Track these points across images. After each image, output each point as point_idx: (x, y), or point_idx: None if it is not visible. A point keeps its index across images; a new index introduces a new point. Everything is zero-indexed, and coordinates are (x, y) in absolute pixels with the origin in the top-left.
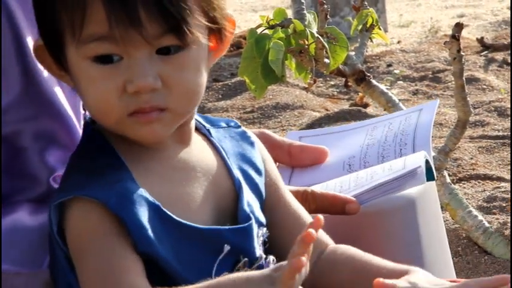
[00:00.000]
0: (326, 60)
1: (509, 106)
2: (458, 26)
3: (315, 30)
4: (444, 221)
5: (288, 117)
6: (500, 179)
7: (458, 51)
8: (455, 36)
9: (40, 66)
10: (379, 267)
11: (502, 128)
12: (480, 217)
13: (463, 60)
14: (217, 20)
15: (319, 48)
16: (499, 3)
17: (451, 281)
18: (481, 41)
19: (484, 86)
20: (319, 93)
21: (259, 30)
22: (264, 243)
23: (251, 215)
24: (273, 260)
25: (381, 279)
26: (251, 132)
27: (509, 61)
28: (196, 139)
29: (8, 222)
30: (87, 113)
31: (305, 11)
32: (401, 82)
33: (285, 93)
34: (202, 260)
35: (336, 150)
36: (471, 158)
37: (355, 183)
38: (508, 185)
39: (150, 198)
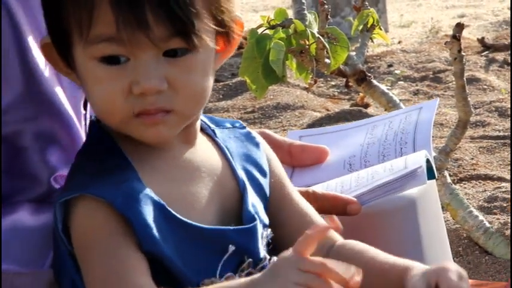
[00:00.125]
0: (327, 60)
1: (510, 106)
2: (459, 26)
3: (315, 30)
4: (445, 221)
5: (288, 118)
6: (501, 179)
7: (459, 51)
8: (456, 37)
9: (41, 66)
10: (381, 263)
11: (502, 128)
12: (481, 217)
13: (464, 60)
14: (225, 23)
15: (319, 48)
16: (500, 4)
17: None
18: (481, 41)
19: (485, 86)
20: (319, 93)
21: (260, 31)
22: (268, 244)
23: (256, 216)
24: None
25: None
26: (256, 132)
27: (510, 61)
28: (201, 139)
29: (8, 223)
30: (88, 113)
31: (306, 11)
32: (402, 82)
33: (285, 93)
34: (206, 260)
35: (336, 149)
36: (472, 158)
37: (356, 183)
38: (508, 185)
39: (156, 198)
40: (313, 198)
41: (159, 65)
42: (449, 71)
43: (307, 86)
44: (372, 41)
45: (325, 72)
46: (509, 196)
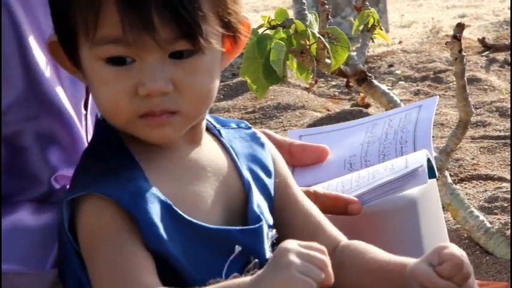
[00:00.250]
0: (327, 60)
1: (510, 106)
2: (460, 27)
3: (316, 30)
4: (446, 221)
5: (289, 118)
6: (501, 179)
7: (460, 51)
8: (456, 37)
9: (41, 66)
10: (384, 263)
11: (503, 128)
12: (481, 217)
13: (465, 60)
14: (232, 25)
15: (320, 48)
16: (501, 4)
17: None
18: (482, 41)
19: (486, 86)
20: (320, 93)
21: (260, 31)
22: (272, 244)
23: (261, 216)
24: None
25: None
26: (261, 133)
27: (510, 61)
28: (206, 139)
29: (8, 222)
30: (88, 113)
31: (306, 11)
32: (402, 82)
33: (286, 93)
34: (212, 260)
35: (336, 148)
36: (472, 158)
37: (357, 183)
38: (509, 185)
39: (162, 197)
40: (314, 198)
41: (164, 66)
42: (450, 71)
43: (307, 86)
44: (373, 41)
45: (326, 72)
46: (510, 196)
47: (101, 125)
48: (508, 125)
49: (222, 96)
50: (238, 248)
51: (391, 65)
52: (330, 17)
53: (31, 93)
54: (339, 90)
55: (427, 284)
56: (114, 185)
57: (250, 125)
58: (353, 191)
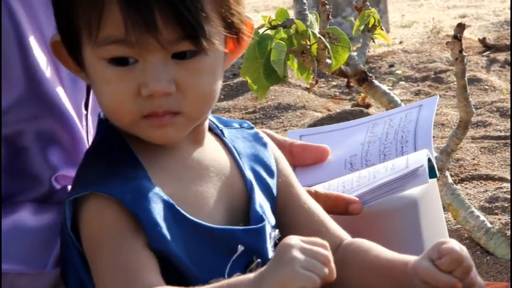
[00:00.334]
0: (328, 60)
1: (510, 106)
2: (460, 27)
3: (317, 30)
4: (446, 222)
5: (290, 118)
6: (502, 179)
7: (460, 51)
8: (457, 37)
9: (42, 67)
10: (387, 261)
11: (504, 128)
12: (482, 217)
13: (465, 60)
14: (235, 25)
15: (321, 48)
16: (501, 4)
17: None
18: (483, 41)
19: (486, 87)
20: (321, 93)
21: (261, 31)
22: (275, 245)
23: (264, 216)
24: None
25: None
26: (263, 133)
27: (510, 62)
28: (209, 139)
29: (9, 223)
30: (89, 113)
31: (307, 12)
32: (403, 82)
33: (287, 93)
34: (215, 259)
35: (337, 148)
36: (473, 159)
37: (358, 183)
38: (510, 185)
39: (165, 197)
40: (315, 198)
41: (167, 67)
42: (451, 71)
43: (308, 86)
44: (373, 41)
45: (327, 72)
46: (510, 196)
47: (104, 125)
48: (508, 125)
49: (222, 97)
50: (241, 248)
51: (391, 65)
52: (330, 17)
53: (32, 93)
54: (339, 91)
55: (428, 280)
56: (117, 185)
57: (252, 125)
58: (354, 191)
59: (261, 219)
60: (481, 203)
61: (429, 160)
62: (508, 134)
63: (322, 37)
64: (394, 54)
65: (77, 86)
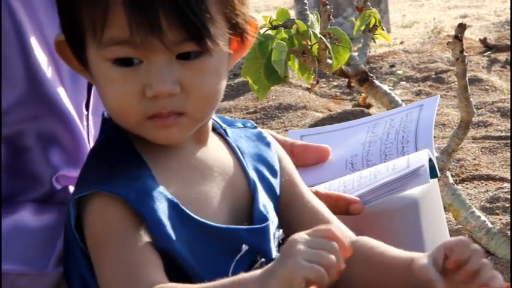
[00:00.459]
0: (329, 60)
1: (510, 107)
2: (461, 27)
3: (317, 30)
4: (447, 222)
5: (290, 118)
6: (503, 179)
7: (461, 51)
8: (458, 37)
9: (43, 67)
10: (392, 258)
11: (504, 128)
12: (483, 218)
13: (466, 60)
14: (239, 26)
15: (322, 48)
16: (502, 4)
17: None
18: (483, 41)
19: (487, 87)
20: (322, 93)
21: (262, 31)
22: (279, 244)
23: (267, 216)
24: None
25: None
26: (266, 132)
27: (510, 62)
28: (213, 139)
29: (10, 223)
30: (89, 113)
31: (308, 12)
32: (404, 83)
33: (287, 93)
34: (219, 259)
35: (338, 148)
36: (474, 159)
37: (359, 182)
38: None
39: (169, 196)
40: None
41: (171, 68)
42: (452, 72)
43: (309, 87)
44: (374, 42)
45: (327, 72)
46: (510, 196)
47: (108, 124)
48: (509, 125)
49: (223, 97)
50: (245, 248)
51: (392, 65)
52: (331, 17)
53: (33, 94)
54: (340, 91)
55: (422, 277)
56: (121, 184)
57: (256, 125)
58: (355, 191)
59: (264, 218)
60: (482, 203)
61: (430, 160)
62: (509, 134)
63: (323, 37)
64: (395, 54)
65: (78, 86)
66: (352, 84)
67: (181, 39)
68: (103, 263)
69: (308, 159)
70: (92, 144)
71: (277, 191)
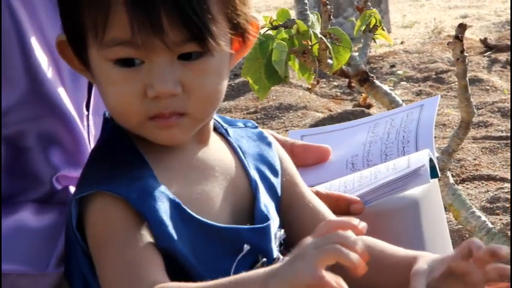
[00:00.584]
0: (329, 60)
1: (510, 107)
2: (462, 27)
3: (318, 30)
4: (447, 222)
5: (291, 118)
6: (503, 179)
7: (462, 52)
8: (458, 37)
9: (43, 67)
10: (392, 256)
11: (505, 128)
12: (483, 218)
13: (467, 61)
14: (241, 26)
15: (322, 48)
16: (503, 4)
17: None
18: (484, 41)
19: (488, 87)
20: (322, 93)
21: (262, 31)
22: (280, 245)
23: (269, 216)
24: None
25: None
26: (267, 132)
27: (510, 62)
28: (214, 139)
29: (11, 223)
30: (90, 113)
31: (308, 12)
32: (404, 83)
33: (288, 93)
34: (221, 258)
35: (338, 148)
36: (474, 159)
37: (359, 183)
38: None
39: (171, 196)
40: None
41: (173, 68)
42: (452, 72)
43: (309, 87)
44: (375, 42)
45: (328, 72)
46: (510, 196)
47: (109, 124)
48: (510, 126)
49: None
50: (247, 247)
51: (393, 66)
52: (331, 17)
53: (33, 94)
54: (340, 91)
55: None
56: (123, 184)
57: (257, 125)
58: (355, 191)
59: (265, 218)
60: (482, 204)
61: (431, 160)
62: (509, 134)
63: (323, 37)
64: (396, 54)
65: (78, 86)
66: (353, 84)
67: (182, 39)
68: (104, 263)
69: (308, 159)
70: (92, 145)
71: (279, 191)
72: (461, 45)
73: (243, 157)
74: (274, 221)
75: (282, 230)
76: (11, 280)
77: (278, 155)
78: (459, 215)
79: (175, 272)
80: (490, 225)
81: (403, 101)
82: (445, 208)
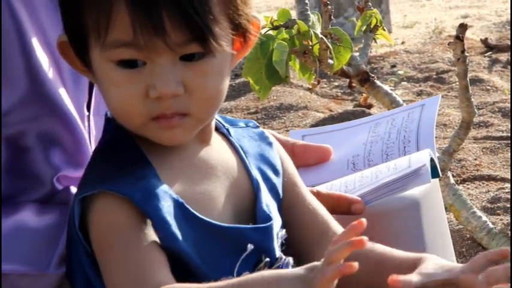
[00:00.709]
0: (330, 61)
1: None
2: (462, 27)
3: (319, 31)
4: (448, 222)
5: (291, 118)
6: (504, 179)
7: (463, 52)
8: (459, 37)
9: (44, 67)
10: (392, 258)
11: (506, 128)
12: (484, 218)
13: (467, 61)
14: (242, 26)
15: (323, 49)
16: (503, 4)
17: None
18: (485, 41)
19: (488, 87)
20: (323, 94)
21: (263, 31)
22: (282, 244)
23: (270, 215)
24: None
25: (395, 276)
26: (268, 132)
27: (510, 62)
28: (216, 138)
29: (11, 223)
30: (91, 114)
31: (309, 12)
32: (405, 83)
33: (288, 94)
34: (224, 258)
35: (339, 148)
36: (475, 159)
37: (360, 182)
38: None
39: (174, 196)
40: (318, 198)
41: (175, 68)
42: (453, 72)
43: (310, 87)
44: (375, 42)
45: (329, 72)
46: (510, 196)
47: (111, 124)
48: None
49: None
50: (250, 247)
51: (393, 66)
52: (332, 17)
53: (34, 94)
54: (341, 91)
55: None
56: (126, 183)
57: (258, 124)
58: (356, 190)
59: (268, 218)
60: (483, 204)
61: (432, 160)
62: (510, 134)
63: (324, 37)
64: (396, 54)
65: (79, 86)
66: (353, 84)
67: (184, 40)
68: (108, 263)
69: (309, 159)
70: (93, 145)
71: (280, 191)
72: (462, 45)
73: (244, 157)
74: (276, 221)
75: (284, 230)
76: (12, 280)
77: (279, 155)
78: (460, 215)
79: (179, 271)
80: (491, 226)
81: (403, 101)
82: (445, 208)
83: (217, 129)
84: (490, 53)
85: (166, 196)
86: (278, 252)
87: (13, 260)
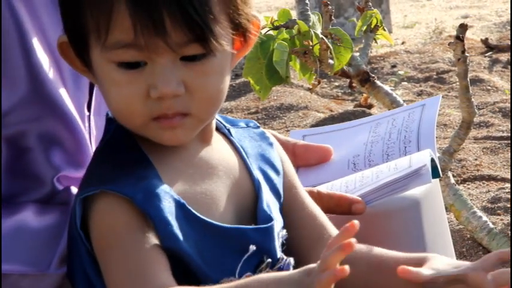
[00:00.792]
0: (330, 61)
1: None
2: (463, 27)
3: (319, 31)
4: (448, 222)
5: (292, 118)
6: (504, 179)
7: (463, 52)
8: (459, 37)
9: (45, 68)
10: (396, 258)
11: (506, 129)
12: (484, 218)
13: (468, 61)
14: (242, 25)
15: (323, 49)
16: (504, 4)
17: None
18: (485, 42)
19: (489, 87)
20: (323, 94)
21: (263, 31)
22: (282, 244)
23: (272, 216)
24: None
25: (405, 267)
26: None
27: (510, 62)
28: (216, 138)
29: (12, 223)
30: (91, 114)
31: (309, 12)
32: (405, 83)
33: (289, 94)
34: (226, 259)
35: (340, 148)
36: (475, 159)
37: (361, 182)
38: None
39: (176, 196)
40: (318, 198)
41: (176, 68)
42: (453, 72)
43: (310, 87)
44: (376, 42)
45: (329, 73)
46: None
47: (112, 124)
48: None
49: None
50: (252, 248)
51: (394, 66)
52: (332, 17)
53: (34, 94)
54: (341, 91)
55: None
56: (127, 183)
57: (258, 124)
58: (357, 190)
59: (269, 218)
60: (484, 204)
61: (432, 160)
62: (510, 134)
63: (324, 38)
64: (397, 54)
65: (80, 87)
66: (354, 84)
67: (185, 40)
68: (109, 264)
69: (310, 159)
70: (93, 145)
71: (281, 191)
72: (462, 46)
73: (245, 157)
74: (278, 221)
75: (284, 230)
76: (12, 280)
77: (279, 155)
78: (460, 215)
79: (180, 272)
80: (491, 226)
81: (404, 101)
82: (446, 208)
83: (218, 129)
84: (490, 53)
85: (168, 196)
86: (279, 253)
87: (14, 260)
